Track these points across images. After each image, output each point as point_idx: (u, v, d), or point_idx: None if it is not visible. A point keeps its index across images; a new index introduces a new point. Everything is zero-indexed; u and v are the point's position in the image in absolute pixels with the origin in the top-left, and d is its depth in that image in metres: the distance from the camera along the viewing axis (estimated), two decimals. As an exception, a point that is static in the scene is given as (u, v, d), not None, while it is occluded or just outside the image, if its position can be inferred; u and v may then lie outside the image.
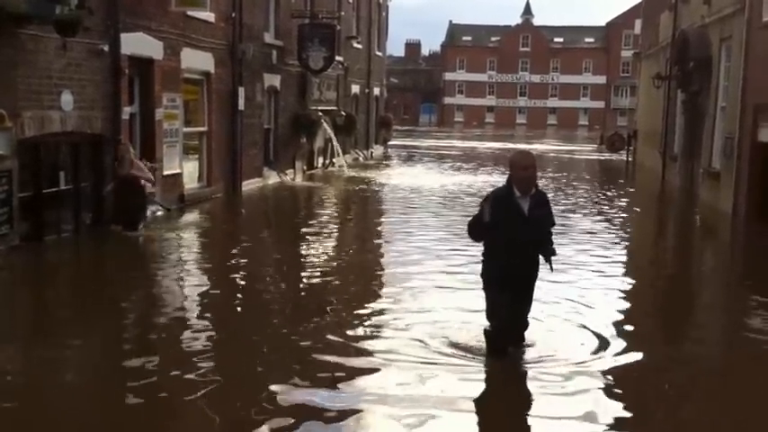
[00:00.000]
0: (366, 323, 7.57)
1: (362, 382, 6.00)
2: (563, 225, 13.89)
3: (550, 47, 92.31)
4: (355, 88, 29.60)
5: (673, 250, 14.49)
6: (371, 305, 8.30)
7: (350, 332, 7.24)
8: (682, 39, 21.92)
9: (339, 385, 5.89)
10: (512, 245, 6.23)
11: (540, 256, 6.48)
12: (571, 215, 16.25)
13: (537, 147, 46.20)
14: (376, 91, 33.82)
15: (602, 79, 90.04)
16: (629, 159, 33.46)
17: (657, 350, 7.22)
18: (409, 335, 7.16)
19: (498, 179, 24.26)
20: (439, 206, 17.38)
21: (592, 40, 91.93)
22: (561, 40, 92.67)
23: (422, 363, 6.42)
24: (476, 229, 6.50)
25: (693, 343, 7.66)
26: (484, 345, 6.57)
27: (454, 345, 6.81)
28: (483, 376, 6.33)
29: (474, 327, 7.09)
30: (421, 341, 6.93)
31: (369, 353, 6.68)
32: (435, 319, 7.71)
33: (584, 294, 8.94)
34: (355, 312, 7.95)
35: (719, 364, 7.17)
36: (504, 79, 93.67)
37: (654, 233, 16.83)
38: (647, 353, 6.95)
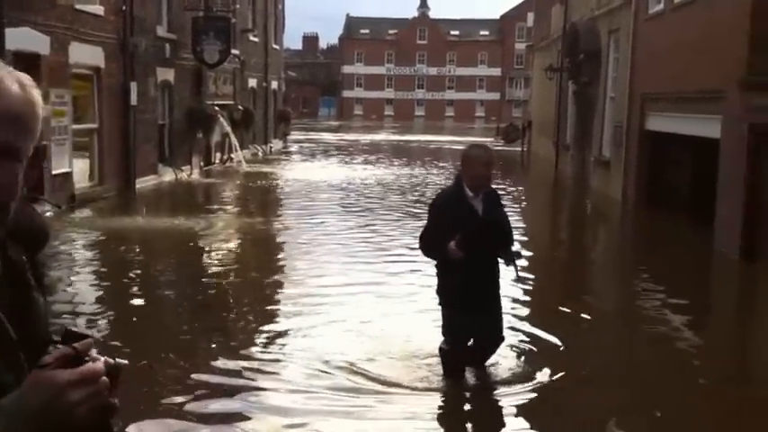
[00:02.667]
0: (262, 341, 6.83)
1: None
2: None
3: (447, 39, 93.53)
4: (252, 82, 29.21)
5: (565, 236, 14.93)
6: (270, 323, 7.43)
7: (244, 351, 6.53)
8: (572, 31, 22.55)
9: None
10: (470, 253, 5.35)
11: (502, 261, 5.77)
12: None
13: (436, 138, 46.85)
14: (274, 85, 33.47)
15: (497, 71, 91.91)
16: (525, 150, 34.27)
17: (575, 342, 7.38)
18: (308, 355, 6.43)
19: (403, 171, 24.51)
20: (341, 200, 17.34)
21: (487, 32, 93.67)
22: (457, 32, 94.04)
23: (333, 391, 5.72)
24: (431, 245, 5.61)
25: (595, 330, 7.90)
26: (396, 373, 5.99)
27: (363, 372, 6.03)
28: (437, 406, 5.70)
29: (378, 342, 6.68)
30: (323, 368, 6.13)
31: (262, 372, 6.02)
32: (336, 335, 7.01)
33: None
34: (251, 328, 7.26)
35: (622, 349, 7.41)
36: (402, 72, 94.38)
37: (548, 221, 17.31)
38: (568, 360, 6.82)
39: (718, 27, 12.25)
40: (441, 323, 5.84)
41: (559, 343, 6.86)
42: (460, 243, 5.26)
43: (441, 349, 5.86)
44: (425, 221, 5.84)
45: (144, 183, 18.09)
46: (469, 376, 5.90)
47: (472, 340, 5.83)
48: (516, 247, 5.74)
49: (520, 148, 34.78)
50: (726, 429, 5.48)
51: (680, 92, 14.05)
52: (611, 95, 19.57)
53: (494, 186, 5.89)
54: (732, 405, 5.89)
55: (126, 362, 1.20)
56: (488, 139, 46.10)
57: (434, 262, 5.78)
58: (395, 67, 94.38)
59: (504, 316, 6.02)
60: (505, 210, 5.95)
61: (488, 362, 6.00)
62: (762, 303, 9.52)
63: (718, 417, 5.66)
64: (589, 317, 8.17)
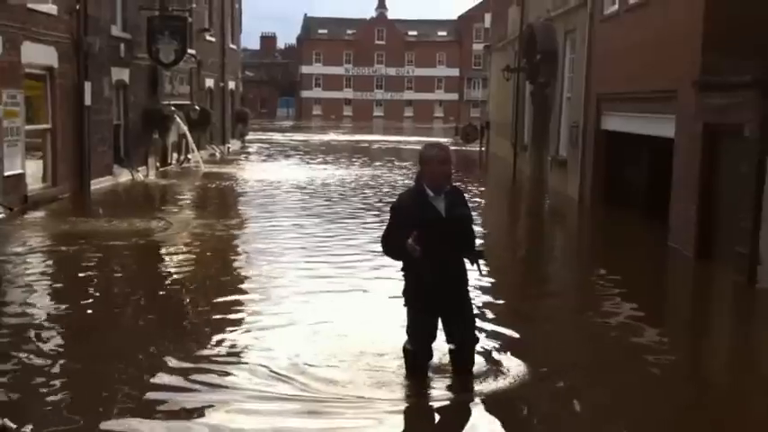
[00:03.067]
0: (219, 343, 6.70)
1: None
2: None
3: (405, 40, 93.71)
4: (209, 82, 28.96)
5: (523, 235, 15.04)
6: (228, 325, 7.28)
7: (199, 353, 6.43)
8: (529, 32, 22.74)
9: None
10: (433, 253, 5.31)
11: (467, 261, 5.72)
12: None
13: (395, 139, 46.92)
14: (231, 85, 33.23)
15: (455, 72, 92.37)
16: (483, 150, 34.45)
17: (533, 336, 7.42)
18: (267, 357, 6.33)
19: (363, 171, 24.47)
20: (302, 201, 17.22)
21: (444, 33, 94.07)
22: (415, 33, 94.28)
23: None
24: (393, 246, 5.55)
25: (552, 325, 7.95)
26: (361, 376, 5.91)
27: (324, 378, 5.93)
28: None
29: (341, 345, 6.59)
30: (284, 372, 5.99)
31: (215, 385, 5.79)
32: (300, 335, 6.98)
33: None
34: (208, 330, 7.10)
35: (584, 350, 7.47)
36: (360, 72, 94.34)
37: (505, 220, 17.42)
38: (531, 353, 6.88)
39: (672, 28, 12.44)
40: (404, 323, 5.81)
41: (519, 340, 6.90)
42: (418, 239, 5.21)
43: (404, 349, 5.84)
44: (387, 222, 5.78)
45: (99, 184, 17.81)
46: (432, 376, 5.85)
47: (450, 344, 5.78)
48: (480, 246, 5.71)
49: (478, 149, 34.95)
50: (680, 421, 5.54)
51: (635, 92, 14.23)
52: (567, 96, 19.77)
53: (456, 185, 5.85)
54: (685, 398, 5.98)
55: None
56: (447, 140, 46.39)
57: (399, 263, 5.72)
58: (353, 67, 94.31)
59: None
60: (470, 208, 5.91)
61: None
62: (716, 302, 9.69)
63: (673, 409, 5.73)
64: (547, 314, 8.24)
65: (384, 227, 5.86)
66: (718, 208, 10.83)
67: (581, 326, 8.00)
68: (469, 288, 5.87)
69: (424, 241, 5.22)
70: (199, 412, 5.28)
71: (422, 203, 5.48)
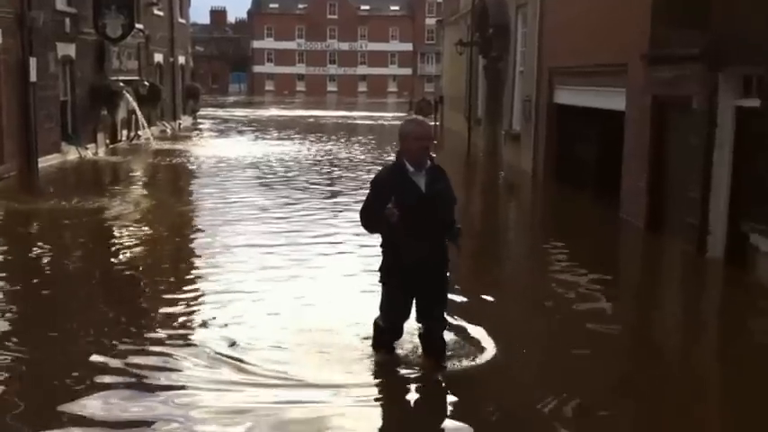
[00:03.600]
0: (173, 328, 6.51)
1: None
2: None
3: (358, 14, 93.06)
4: (158, 57, 28.43)
5: (477, 209, 15.12)
6: (182, 308, 7.08)
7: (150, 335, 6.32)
8: (481, 6, 22.72)
9: None
10: (413, 230, 5.23)
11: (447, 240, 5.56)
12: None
13: (350, 114, 46.72)
14: (181, 60, 32.67)
15: (408, 46, 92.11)
16: (437, 124, 34.50)
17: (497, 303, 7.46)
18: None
19: (318, 147, 24.33)
20: (256, 177, 17.02)
21: (397, 7, 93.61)
22: (368, 7, 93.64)
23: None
24: (371, 219, 5.46)
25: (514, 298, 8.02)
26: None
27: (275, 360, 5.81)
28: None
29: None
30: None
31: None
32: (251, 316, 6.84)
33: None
34: (162, 314, 6.90)
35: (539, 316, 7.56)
36: (313, 47, 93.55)
37: (460, 194, 17.43)
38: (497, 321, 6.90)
39: (621, 1, 12.52)
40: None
41: (473, 312, 6.91)
42: (397, 206, 5.15)
43: (375, 323, 5.78)
44: (366, 196, 5.60)
45: (47, 162, 17.43)
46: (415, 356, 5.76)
47: (420, 325, 5.69)
48: (459, 224, 5.54)
49: (432, 123, 34.98)
50: (629, 388, 5.64)
51: (586, 65, 14.34)
52: (520, 69, 19.84)
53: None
54: (634, 365, 6.08)
55: None
56: (402, 114, 46.35)
57: (378, 240, 5.60)
58: (306, 42, 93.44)
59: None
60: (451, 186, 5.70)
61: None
62: (666, 272, 9.87)
63: (622, 376, 5.83)
64: (501, 286, 8.30)
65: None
66: (667, 180, 10.99)
67: (534, 297, 8.08)
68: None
69: (404, 217, 5.14)
70: (146, 399, 5.12)
71: (402, 179, 5.37)
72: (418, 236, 5.27)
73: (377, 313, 5.80)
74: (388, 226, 5.25)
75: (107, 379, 5.40)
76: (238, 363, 5.71)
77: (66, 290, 7.99)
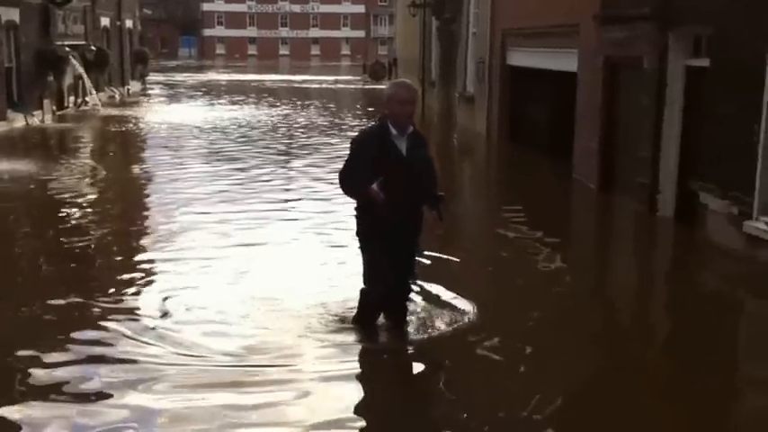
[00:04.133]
0: (129, 301, 6.30)
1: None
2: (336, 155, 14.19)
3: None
4: (105, 21, 27.76)
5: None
6: (137, 279, 6.84)
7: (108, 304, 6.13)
8: (433, -33, 22.54)
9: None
10: (392, 194, 5.05)
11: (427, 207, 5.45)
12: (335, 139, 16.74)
13: (303, 78, 46.27)
14: (128, 23, 31.95)
15: (361, 8, 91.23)
16: (391, 87, 34.33)
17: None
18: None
19: (271, 112, 24.07)
20: (210, 143, 16.71)
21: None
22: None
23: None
24: (351, 182, 5.29)
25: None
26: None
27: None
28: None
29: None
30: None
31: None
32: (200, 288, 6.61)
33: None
34: (116, 287, 6.63)
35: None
36: (264, 9, 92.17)
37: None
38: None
39: (573, -38, 12.52)
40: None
41: (431, 274, 6.90)
42: (382, 185, 5.01)
43: (362, 292, 5.57)
44: (347, 157, 5.41)
45: (-8, 130, 17.01)
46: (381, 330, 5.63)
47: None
48: (440, 191, 5.42)
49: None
50: (585, 346, 5.76)
51: (538, 27, 14.36)
52: (473, 31, 19.80)
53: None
54: (590, 322, 6.21)
55: None
56: (356, 78, 46.11)
57: (353, 203, 5.45)
58: (256, 4, 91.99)
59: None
60: (430, 152, 5.61)
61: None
62: (618, 231, 10.05)
63: (577, 334, 5.94)
64: (457, 246, 8.32)
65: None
66: (619, 140, 11.12)
67: (489, 258, 8.16)
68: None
69: (383, 181, 5.02)
70: (110, 380, 4.89)
71: (384, 141, 5.26)
72: (396, 199, 5.09)
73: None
74: (360, 184, 5.14)
75: (56, 373, 5.00)
76: (172, 334, 5.54)
77: (9, 264, 7.74)
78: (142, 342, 5.43)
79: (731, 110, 8.09)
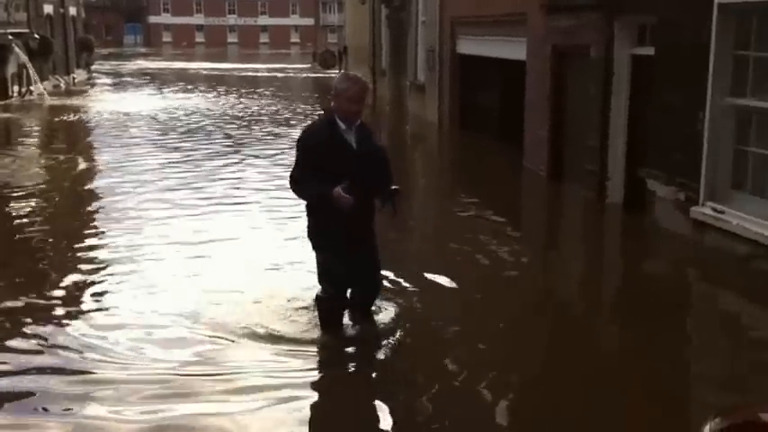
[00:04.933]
0: (80, 297, 6.13)
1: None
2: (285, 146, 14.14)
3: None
4: (48, 8, 27.15)
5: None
6: (86, 275, 6.71)
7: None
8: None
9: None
10: (347, 193, 4.82)
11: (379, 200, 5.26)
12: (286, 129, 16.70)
13: (252, 66, 45.85)
14: (72, 11, 31.30)
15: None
16: (342, 75, 34.24)
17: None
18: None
19: (219, 100, 23.83)
20: (158, 133, 16.52)
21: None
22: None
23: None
24: (305, 189, 5.06)
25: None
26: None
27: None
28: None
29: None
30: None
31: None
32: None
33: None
34: (66, 284, 6.48)
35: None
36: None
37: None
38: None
39: (522, -49, 12.61)
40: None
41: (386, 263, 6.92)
42: (348, 189, 4.79)
43: (317, 297, 5.41)
44: (296, 157, 5.18)
45: (-69, 121, 16.54)
46: (348, 327, 5.49)
47: (352, 288, 5.42)
48: (394, 184, 5.22)
49: (337, 74, 34.71)
50: (542, 335, 5.86)
51: (487, 15, 14.44)
52: (422, 20, 19.82)
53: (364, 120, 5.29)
54: (540, 307, 6.32)
55: None
56: (305, 66, 45.86)
57: (302, 202, 5.29)
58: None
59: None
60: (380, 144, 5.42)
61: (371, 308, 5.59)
62: (568, 218, 10.21)
63: (527, 322, 6.04)
64: (408, 236, 8.37)
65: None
66: (568, 128, 11.26)
67: (441, 248, 8.22)
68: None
69: (335, 178, 4.79)
70: (60, 383, 4.72)
71: (333, 137, 5.01)
72: (350, 195, 4.83)
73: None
74: (317, 187, 4.91)
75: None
76: (173, 332, 5.41)
77: None
78: (84, 350, 5.15)
79: (676, 98, 8.26)
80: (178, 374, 4.85)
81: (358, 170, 4.94)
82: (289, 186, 5.28)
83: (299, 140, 5.22)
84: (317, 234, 5.23)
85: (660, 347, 5.46)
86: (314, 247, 5.32)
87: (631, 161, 9.43)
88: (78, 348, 5.19)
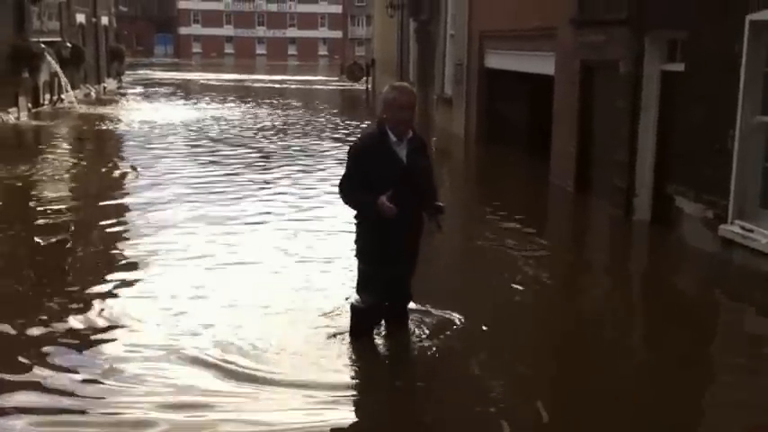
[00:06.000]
0: (108, 310, 6.03)
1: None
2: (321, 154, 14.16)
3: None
4: (80, 17, 27.52)
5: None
6: (117, 287, 6.64)
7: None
8: (412, -32, 22.58)
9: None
10: (391, 202, 4.88)
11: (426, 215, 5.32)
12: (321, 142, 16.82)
13: (280, 77, 46.14)
14: (104, 20, 31.70)
15: (338, 8, 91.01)
16: (369, 88, 34.36)
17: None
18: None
19: (250, 111, 23.96)
20: (188, 144, 16.56)
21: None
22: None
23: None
24: (353, 197, 5.16)
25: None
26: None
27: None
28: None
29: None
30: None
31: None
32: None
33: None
34: (94, 293, 6.44)
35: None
36: (241, 8, 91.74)
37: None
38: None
39: (551, -34, 12.61)
40: (357, 278, 5.39)
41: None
42: (391, 198, 4.85)
43: (353, 307, 5.43)
44: (345, 167, 5.25)
45: (-35, 127, 16.81)
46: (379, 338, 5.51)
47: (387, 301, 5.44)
48: (440, 201, 5.27)
49: (365, 87, 34.85)
50: (560, 347, 5.82)
51: (516, 29, 14.44)
52: (451, 33, 19.86)
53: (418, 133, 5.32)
54: (567, 324, 6.28)
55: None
56: (334, 78, 46.06)
57: (340, 219, 5.50)
58: (233, 2, 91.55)
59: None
60: (430, 160, 5.49)
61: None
62: (595, 234, 10.15)
63: (550, 334, 6.00)
64: (438, 249, 8.34)
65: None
66: (596, 143, 11.22)
67: (466, 264, 8.19)
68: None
69: (384, 190, 4.86)
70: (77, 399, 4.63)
71: (383, 148, 5.08)
72: (399, 210, 4.89)
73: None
74: (364, 196, 4.99)
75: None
76: (195, 349, 5.26)
77: None
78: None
79: (706, 114, 8.20)
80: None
81: (404, 183, 4.96)
82: (333, 198, 5.38)
83: (349, 150, 5.32)
84: (363, 244, 5.27)
85: (686, 366, 5.40)
86: (358, 257, 5.36)
87: (659, 178, 9.37)
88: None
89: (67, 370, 4.96)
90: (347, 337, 5.46)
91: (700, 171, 8.26)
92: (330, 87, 39.46)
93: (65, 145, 16.75)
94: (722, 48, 7.93)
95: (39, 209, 10.07)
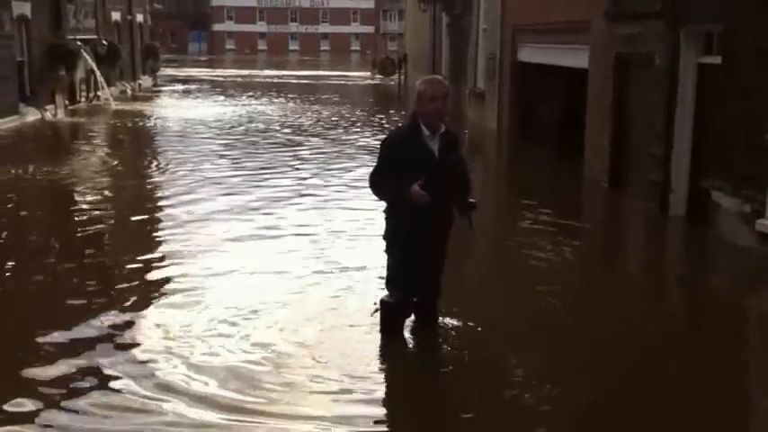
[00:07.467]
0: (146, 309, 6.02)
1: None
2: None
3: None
4: (116, 15, 27.83)
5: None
6: (155, 285, 6.66)
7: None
8: (444, -38, 22.51)
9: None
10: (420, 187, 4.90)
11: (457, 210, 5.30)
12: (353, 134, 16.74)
13: (314, 73, 46.24)
14: (139, 18, 32.01)
15: (370, 4, 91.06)
16: (401, 83, 34.33)
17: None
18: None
19: (287, 106, 24.02)
20: (224, 140, 16.49)
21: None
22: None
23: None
24: (384, 187, 5.15)
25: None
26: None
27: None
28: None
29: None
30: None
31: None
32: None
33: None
34: (132, 290, 6.45)
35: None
36: (274, 4, 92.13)
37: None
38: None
39: (585, -42, 12.48)
40: (386, 273, 5.38)
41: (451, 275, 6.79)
42: (424, 188, 4.85)
43: (383, 302, 5.43)
44: (378, 159, 5.28)
45: (5, 124, 17.08)
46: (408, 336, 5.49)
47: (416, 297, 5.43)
48: (473, 197, 5.27)
49: (396, 82, 34.81)
50: (599, 350, 5.77)
51: (549, 23, 14.33)
52: (483, 27, 19.77)
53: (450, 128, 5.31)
54: (604, 320, 6.22)
55: None
56: (366, 73, 46.04)
57: (382, 205, 5.33)
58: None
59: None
60: (462, 155, 5.47)
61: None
62: (629, 229, 10.06)
63: (589, 338, 5.96)
64: (474, 245, 8.30)
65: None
66: (630, 137, 11.09)
67: (507, 254, 8.16)
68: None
69: (411, 183, 4.85)
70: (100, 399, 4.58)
71: (415, 142, 5.08)
72: (427, 203, 4.89)
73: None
74: (396, 185, 4.97)
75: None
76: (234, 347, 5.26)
77: (26, 264, 7.57)
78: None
79: (743, 108, 8.06)
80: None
81: (436, 178, 4.93)
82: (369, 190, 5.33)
83: (382, 143, 5.36)
84: (394, 237, 5.26)
85: (724, 365, 5.33)
86: (389, 250, 5.34)
87: (695, 172, 9.24)
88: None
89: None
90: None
91: (737, 165, 8.13)
92: (363, 83, 39.35)
93: (101, 141, 16.94)
94: (759, 40, 7.79)
95: (77, 207, 10.18)
